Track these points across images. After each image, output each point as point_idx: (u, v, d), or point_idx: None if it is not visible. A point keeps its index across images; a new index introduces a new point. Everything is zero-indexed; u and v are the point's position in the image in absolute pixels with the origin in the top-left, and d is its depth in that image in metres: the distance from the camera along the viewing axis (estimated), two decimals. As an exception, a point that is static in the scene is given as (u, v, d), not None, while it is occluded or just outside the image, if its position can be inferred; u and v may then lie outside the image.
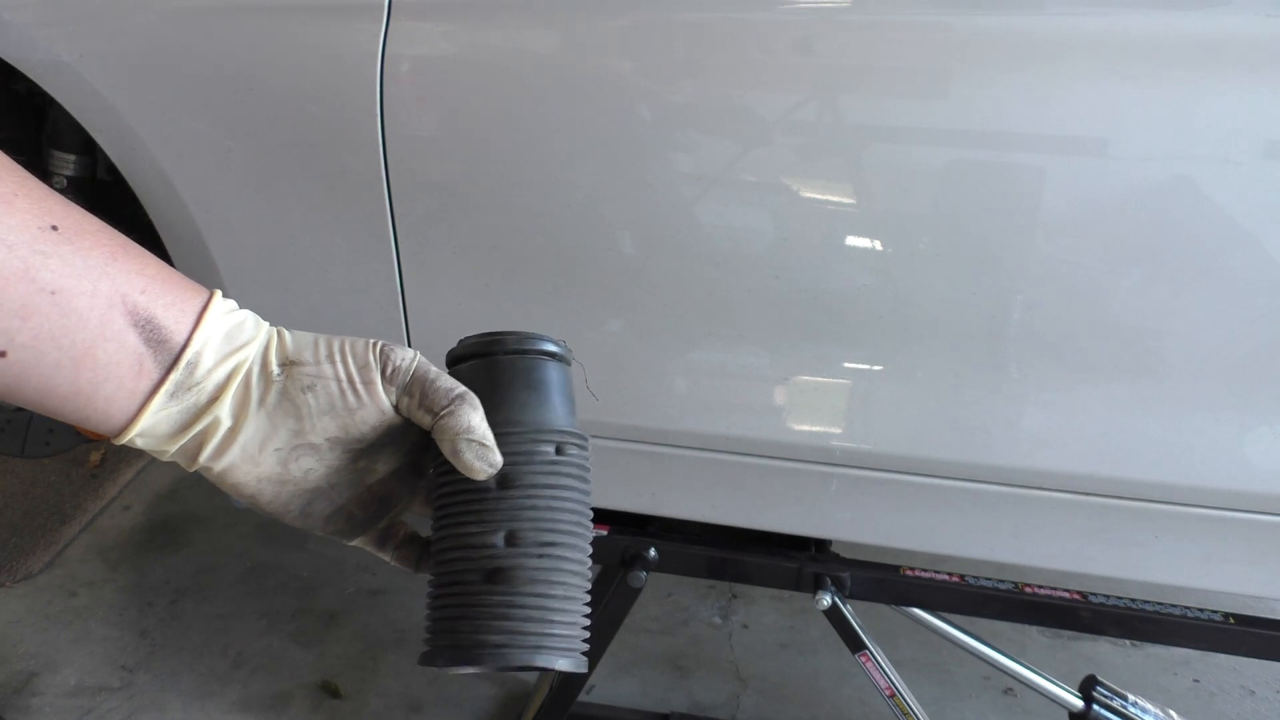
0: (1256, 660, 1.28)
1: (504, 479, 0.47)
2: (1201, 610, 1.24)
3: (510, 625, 0.45)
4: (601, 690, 1.70)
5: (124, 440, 0.47)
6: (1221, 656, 1.63)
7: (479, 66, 1.06)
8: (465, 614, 0.47)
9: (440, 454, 0.49)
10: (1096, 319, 1.00)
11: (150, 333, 0.45)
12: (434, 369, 0.49)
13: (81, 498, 2.19)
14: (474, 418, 0.48)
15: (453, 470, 0.48)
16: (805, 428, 1.12)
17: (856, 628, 1.28)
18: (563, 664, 0.47)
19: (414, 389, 0.48)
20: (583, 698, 1.58)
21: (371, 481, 0.52)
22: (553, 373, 0.50)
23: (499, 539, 0.47)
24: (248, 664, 1.74)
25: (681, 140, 1.03)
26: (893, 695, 1.29)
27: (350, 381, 0.48)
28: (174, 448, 0.48)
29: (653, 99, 1.03)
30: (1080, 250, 0.98)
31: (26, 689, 1.68)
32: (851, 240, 1.03)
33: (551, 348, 0.51)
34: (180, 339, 0.46)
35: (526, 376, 0.50)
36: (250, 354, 0.48)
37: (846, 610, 1.27)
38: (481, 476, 0.47)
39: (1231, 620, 1.22)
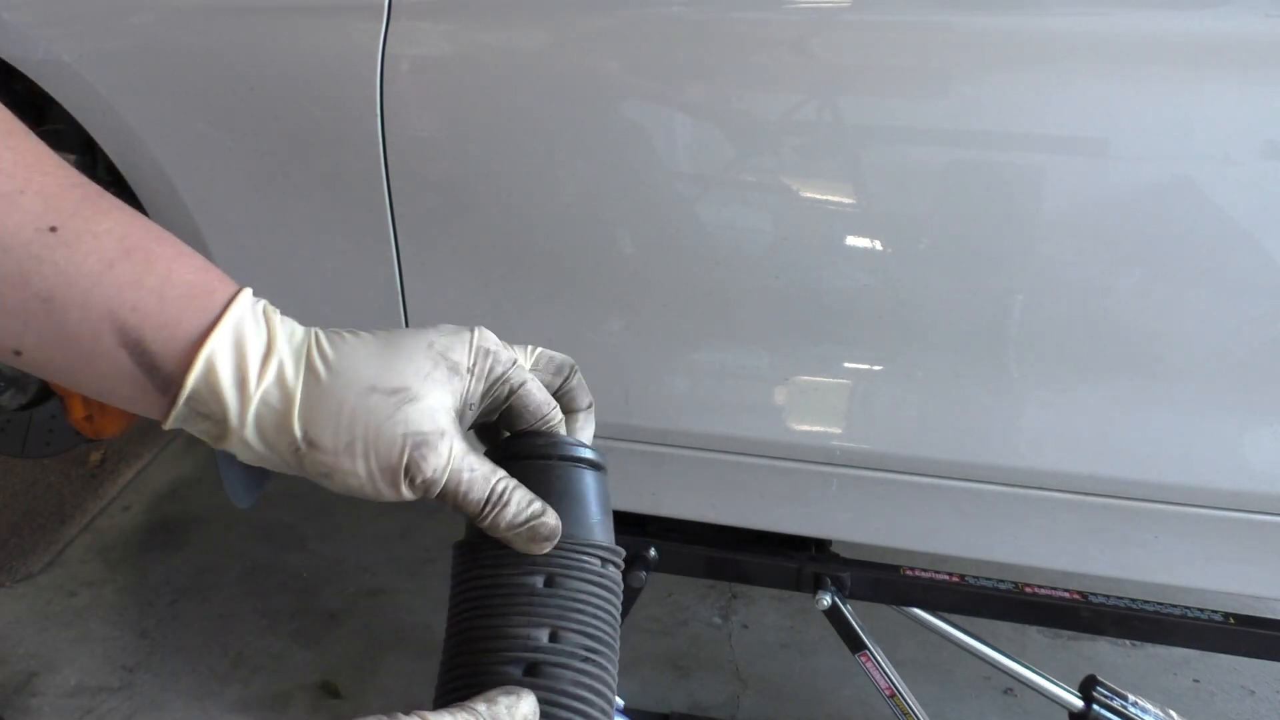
0: (1256, 660, 1.28)
1: (550, 580, 0.47)
2: (1201, 610, 1.24)
3: None
4: (601, 690, 1.69)
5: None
6: (1221, 656, 1.62)
7: (479, 66, 1.06)
8: None
9: (472, 544, 0.48)
10: (1096, 319, 1.00)
11: (141, 357, 0.40)
12: (465, 473, 0.44)
13: (81, 498, 2.19)
14: (508, 514, 0.45)
15: (493, 565, 0.47)
16: (805, 428, 1.12)
17: (856, 628, 1.28)
18: None
19: (447, 499, 0.44)
20: (583, 698, 1.58)
21: None
22: (594, 482, 0.51)
23: (544, 635, 0.46)
24: (248, 664, 1.74)
25: (682, 140, 1.03)
26: (893, 695, 1.29)
27: (372, 478, 0.43)
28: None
29: (653, 98, 1.03)
30: (1080, 250, 0.98)
31: (26, 689, 1.68)
32: (851, 240, 1.03)
33: (597, 458, 0.51)
34: (170, 369, 0.41)
35: (574, 486, 0.50)
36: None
37: (846, 610, 1.27)
38: (544, 551, 0.46)
39: (1231, 620, 1.22)
